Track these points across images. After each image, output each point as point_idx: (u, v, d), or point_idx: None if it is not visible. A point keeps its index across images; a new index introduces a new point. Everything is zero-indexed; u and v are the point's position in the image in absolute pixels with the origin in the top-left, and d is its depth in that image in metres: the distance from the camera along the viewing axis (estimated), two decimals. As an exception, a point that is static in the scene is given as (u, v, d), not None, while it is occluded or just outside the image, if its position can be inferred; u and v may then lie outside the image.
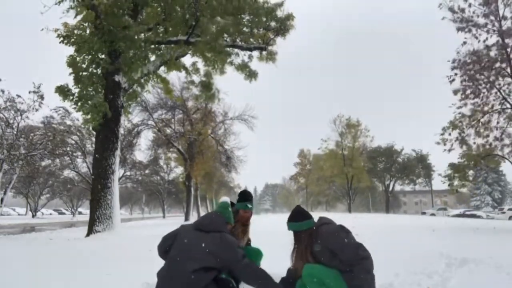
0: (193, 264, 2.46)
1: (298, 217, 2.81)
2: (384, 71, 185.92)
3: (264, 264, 3.25)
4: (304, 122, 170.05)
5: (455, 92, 14.10)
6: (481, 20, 13.33)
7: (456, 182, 15.86)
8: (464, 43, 13.67)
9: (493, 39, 13.21)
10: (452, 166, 16.01)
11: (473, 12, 13.44)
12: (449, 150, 14.65)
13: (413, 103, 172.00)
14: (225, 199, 3.20)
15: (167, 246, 2.74)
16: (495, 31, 13.12)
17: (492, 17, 13.16)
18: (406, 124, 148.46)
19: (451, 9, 13.71)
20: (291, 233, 2.89)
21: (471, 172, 16.21)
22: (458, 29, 13.60)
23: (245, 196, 3.52)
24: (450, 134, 14.69)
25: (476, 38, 13.44)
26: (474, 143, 14.56)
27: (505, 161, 14.86)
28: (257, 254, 3.43)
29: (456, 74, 13.87)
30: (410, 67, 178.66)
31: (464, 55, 13.69)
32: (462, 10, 13.57)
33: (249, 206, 3.45)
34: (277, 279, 2.91)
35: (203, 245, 2.54)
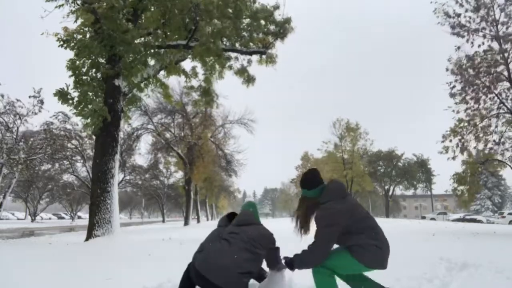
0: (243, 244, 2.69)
1: (307, 185, 3.00)
2: (384, 74, 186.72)
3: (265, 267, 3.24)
4: (304, 126, 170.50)
5: (452, 95, 14.11)
6: (477, 25, 13.38)
7: (465, 196, 15.72)
8: (458, 48, 13.73)
9: (490, 43, 13.27)
10: (456, 176, 15.88)
11: (470, 18, 13.51)
12: (453, 158, 14.64)
13: (414, 106, 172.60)
14: (251, 200, 3.26)
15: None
16: (492, 36, 13.17)
17: (488, 22, 13.21)
18: (407, 127, 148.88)
19: (446, 14, 13.76)
20: (293, 237, 2.95)
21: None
22: (457, 35, 13.64)
23: None
24: (451, 141, 14.66)
25: (472, 43, 13.50)
26: (475, 148, 14.53)
27: (506, 166, 14.82)
28: None
29: (456, 81, 13.91)
30: (411, 69, 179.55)
31: (462, 59, 13.73)
32: (458, 15, 13.63)
33: None
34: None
35: (249, 232, 2.79)
